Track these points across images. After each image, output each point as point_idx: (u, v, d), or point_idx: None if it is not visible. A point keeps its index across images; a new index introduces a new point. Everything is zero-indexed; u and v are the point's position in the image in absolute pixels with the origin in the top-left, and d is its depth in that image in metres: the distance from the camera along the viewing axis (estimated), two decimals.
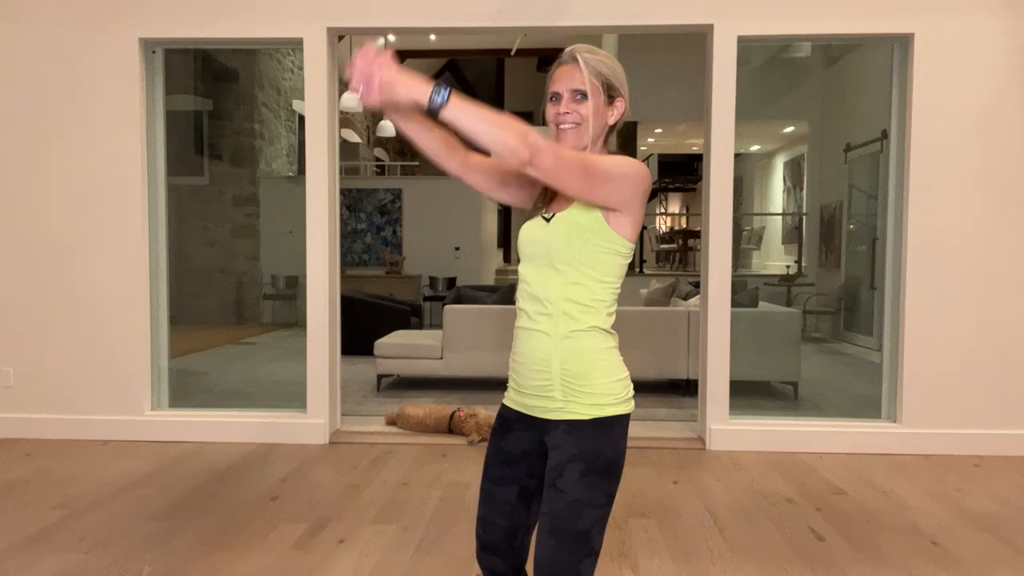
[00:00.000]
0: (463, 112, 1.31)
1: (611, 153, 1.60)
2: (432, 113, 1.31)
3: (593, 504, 1.47)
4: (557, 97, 1.55)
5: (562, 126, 1.54)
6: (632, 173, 1.47)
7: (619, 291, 1.57)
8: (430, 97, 1.29)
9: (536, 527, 1.56)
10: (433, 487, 3.54)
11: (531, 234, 1.57)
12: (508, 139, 1.32)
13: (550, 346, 1.52)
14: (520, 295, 1.60)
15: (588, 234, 1.50)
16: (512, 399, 1.63)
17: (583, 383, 1.50)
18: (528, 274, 1.57)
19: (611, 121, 1.57)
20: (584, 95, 1.52)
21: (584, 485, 1.46)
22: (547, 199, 1.63)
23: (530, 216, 1.62)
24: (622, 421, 1.53)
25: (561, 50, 1.59)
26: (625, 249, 1.53)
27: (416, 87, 1.30)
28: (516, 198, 1.69)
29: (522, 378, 1.58)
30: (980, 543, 2.93)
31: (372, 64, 1.29)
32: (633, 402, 1.57)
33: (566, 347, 1.51)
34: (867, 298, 7.94)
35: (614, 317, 1.57)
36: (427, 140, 1.55)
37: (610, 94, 1.55)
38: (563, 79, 1.54)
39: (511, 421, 1.62)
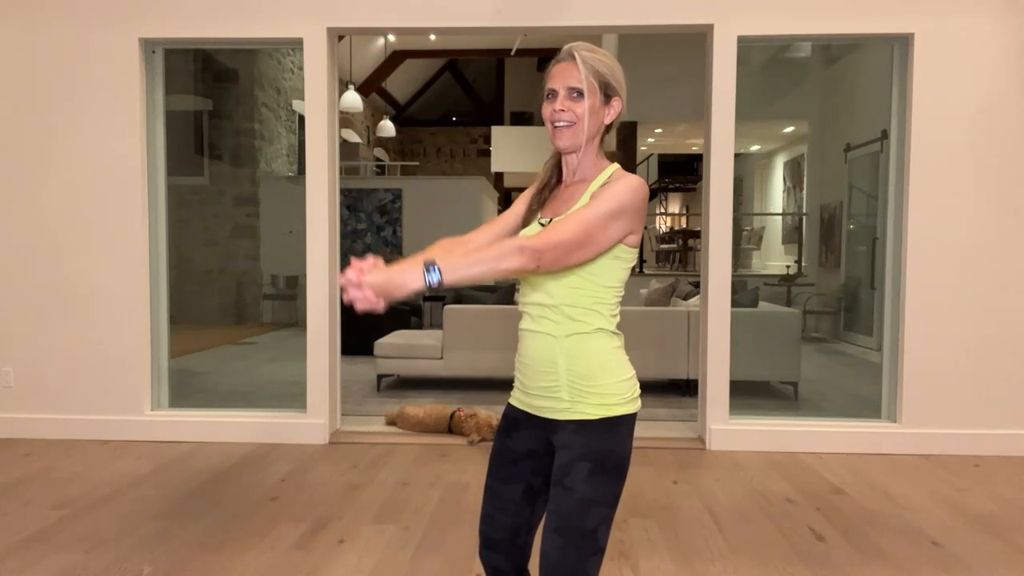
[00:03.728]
0: (459, 271, 1.33)
1: (607, 154, 1.60)
2: (434, 289, 1.33)
3: (600, 503, 1.48)
4: (553, 94, 1.54)
5: (557, 124, 1.53)
6: (632, 203, 1.47)
7: (622, 293, 1.56)
8: (426, 281, 1.30)
9: (540, 526, 1.56)
10: (433, 487, 3.54)
11: None
12: (510, 265, 1.35)
13: (555, 347, 1.52)
14: (522, 297, 1.60)
15: None
16: (518, 399, 1.63)
17: (590, 383, 1.51)
18: (529, 278, 1.56)
19: (607, 121, 1.57)
20: (580, 93, 1.51)
21: (592, 484, 1.47)
22: (542, 203, 1.63)
23: (526, 221, 1.62)
24: (629, 420, 1.53)
25: (561, 50, 1.59)
26: (626, 254, 1.53)
27: (408, 277, 1.30)
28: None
29: (528, 379, 1.58)
30: (980, 543, 2.93)
31: (360, 282, 1.28)
32: (640, 401, 1.57)
33: (572, 348, 1.51)
34: (867, 298, 7.94)
35: (618, 317, 1.56)
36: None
37: (607, 93, 1.54)
38: (560, 76, 1.53)
39: (517, 421, 1.62)
